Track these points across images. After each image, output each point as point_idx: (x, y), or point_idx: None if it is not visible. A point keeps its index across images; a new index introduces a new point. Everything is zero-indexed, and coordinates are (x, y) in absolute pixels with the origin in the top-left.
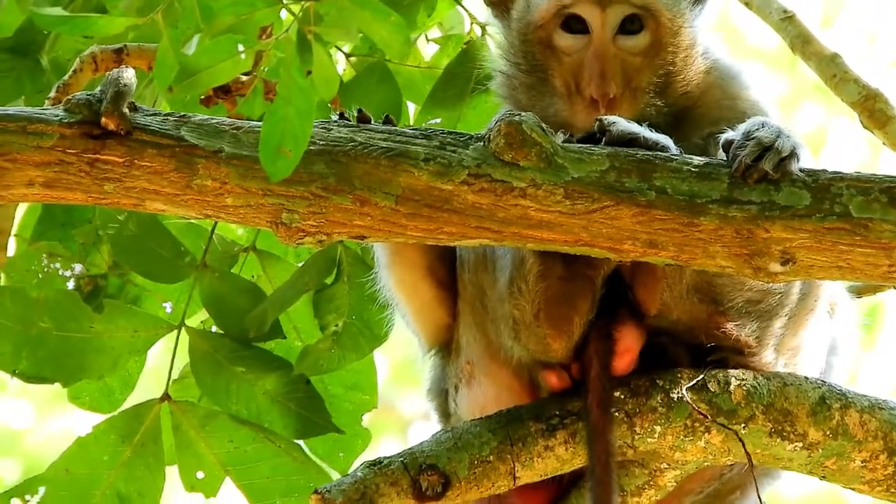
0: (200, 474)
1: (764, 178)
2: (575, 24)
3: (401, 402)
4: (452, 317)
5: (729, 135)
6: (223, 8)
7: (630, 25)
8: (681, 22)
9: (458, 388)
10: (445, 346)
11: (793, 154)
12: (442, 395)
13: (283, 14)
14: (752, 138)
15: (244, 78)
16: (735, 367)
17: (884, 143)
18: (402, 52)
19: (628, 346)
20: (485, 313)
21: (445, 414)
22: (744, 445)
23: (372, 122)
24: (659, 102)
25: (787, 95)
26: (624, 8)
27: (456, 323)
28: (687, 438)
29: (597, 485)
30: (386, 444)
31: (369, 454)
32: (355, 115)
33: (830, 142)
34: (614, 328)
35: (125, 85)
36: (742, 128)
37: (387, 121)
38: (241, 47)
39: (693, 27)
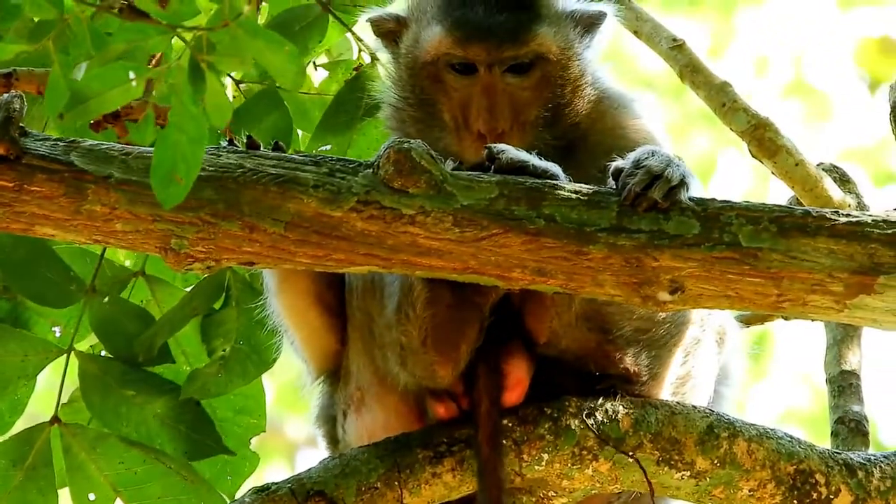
0: (92, 496)
1: (653, 206)
2: (463, 66)
3: (287, 426)
4: (341, 343)
5: (618, 163)
6: (115, 35)
7: (518, 67)
8: (570, 55)
9: (346, 415)
10: (334, 373)
11: (682, 183)
12: (330, 422)
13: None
14: (642, 167)
15: (133, 103)
16: (623, 396)
17: (773, 173)
18: (296, 82)
19: (518, 380)
20: (373, 340)
21: (334, 441)
22: (644, 473)
23: (262, 148)
24: (547, 135)
25: (676, 123)
26: (512, 57)
27: (345, 349)
28: (574, 466)
29: None
30: (272, 468)
31: (256, 478)
32: (245, 141)
33: (719, 170)
34: (504, 361)
35: (15, 110)
36: (632, 156)
37: (276, 147)
38: (132, 74)
39: (582, 59)
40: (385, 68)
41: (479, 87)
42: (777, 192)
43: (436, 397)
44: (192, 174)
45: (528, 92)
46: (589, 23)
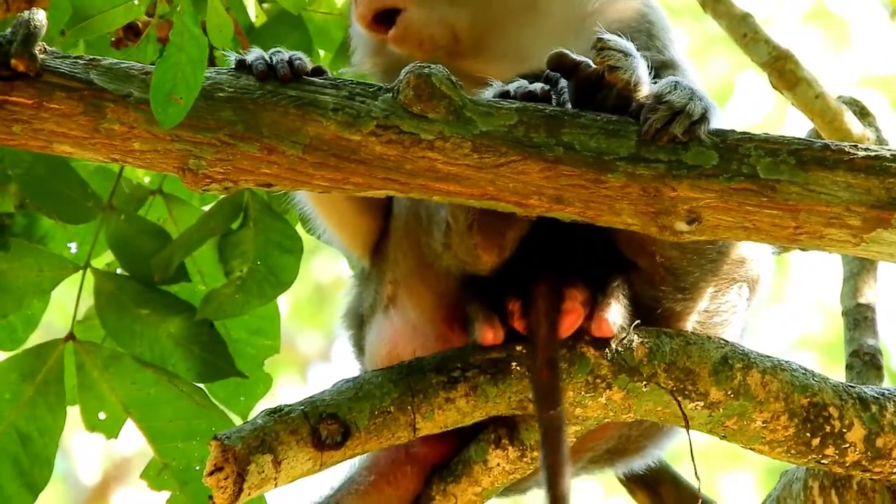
0: (102, 415)
1: (673, 140)
2: None
3: (300, 340)
4: (377, 222)
5: (641, 96)
6: None
7: None
8: None
9: (374, 315)
10: (368, 269)
11: (703, 118)
12: (357, 323)
13: None
14: (664, 102)
15: (155, 20)
16: (632, 293)
17: (792, 104)
18: (297, 4)
19: (574, 308)
20: (418, 224)
21: (360, 346)
22: (680, 406)
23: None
24: None
25: (695, 46)
26: None
27: (384, 242)
28: (588, 395)
29: (550, 451)
30: (284, 382)
31: (269, 397)
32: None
33: (737, 93)
34: (563, 287)
35: (36, 27)
36: (655, 89)
37: (316, 72)
38: None
39: None
40: None
41: None
42: (795, 119)
43: (487, 320)
44: (192, 95)
45: None
46: None
